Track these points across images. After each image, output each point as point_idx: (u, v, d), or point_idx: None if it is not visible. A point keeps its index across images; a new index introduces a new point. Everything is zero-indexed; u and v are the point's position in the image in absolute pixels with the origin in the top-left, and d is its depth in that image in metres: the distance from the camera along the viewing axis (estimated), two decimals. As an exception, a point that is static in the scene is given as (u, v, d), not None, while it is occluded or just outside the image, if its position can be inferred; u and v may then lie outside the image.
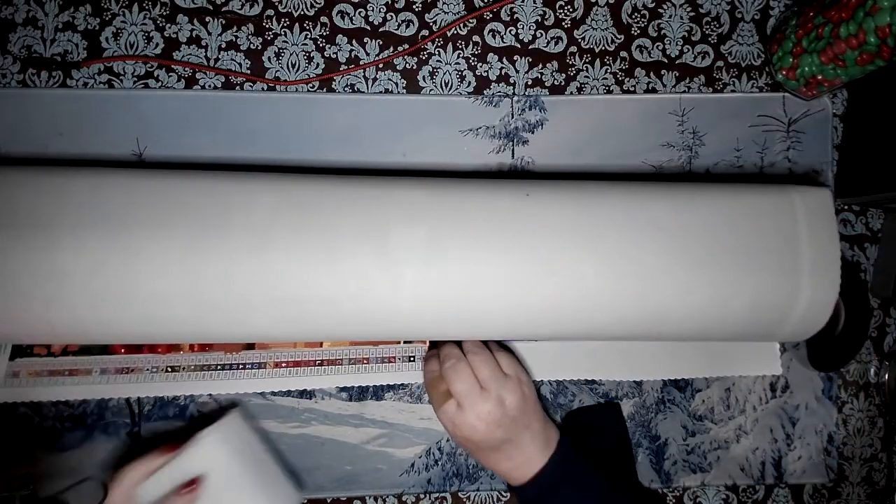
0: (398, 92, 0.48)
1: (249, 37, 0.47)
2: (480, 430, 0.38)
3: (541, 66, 0.49)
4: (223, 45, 0.47)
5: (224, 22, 0.47)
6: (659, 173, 0.49)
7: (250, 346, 0.45)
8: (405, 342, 0.46)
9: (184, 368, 0.44)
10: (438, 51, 0.49)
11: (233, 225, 0.35)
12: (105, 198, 0.35)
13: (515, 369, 0.41)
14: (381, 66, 0.48)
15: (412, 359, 0.46)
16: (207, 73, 0.47)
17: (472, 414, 0.38)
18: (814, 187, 0.39)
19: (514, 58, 0.49)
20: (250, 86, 0.47)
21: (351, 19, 0.48)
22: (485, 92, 0.49)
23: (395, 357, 0.46)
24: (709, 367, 0.48)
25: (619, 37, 0.50)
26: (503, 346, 0.43)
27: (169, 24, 0.47)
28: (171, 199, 0.35)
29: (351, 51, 0.48)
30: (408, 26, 0.48)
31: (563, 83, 0.49)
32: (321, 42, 0.48)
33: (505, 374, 0.40)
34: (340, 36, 0.48)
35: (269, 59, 0.47)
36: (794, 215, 0.38)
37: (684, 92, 0.50)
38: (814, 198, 0.39)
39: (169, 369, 0.44)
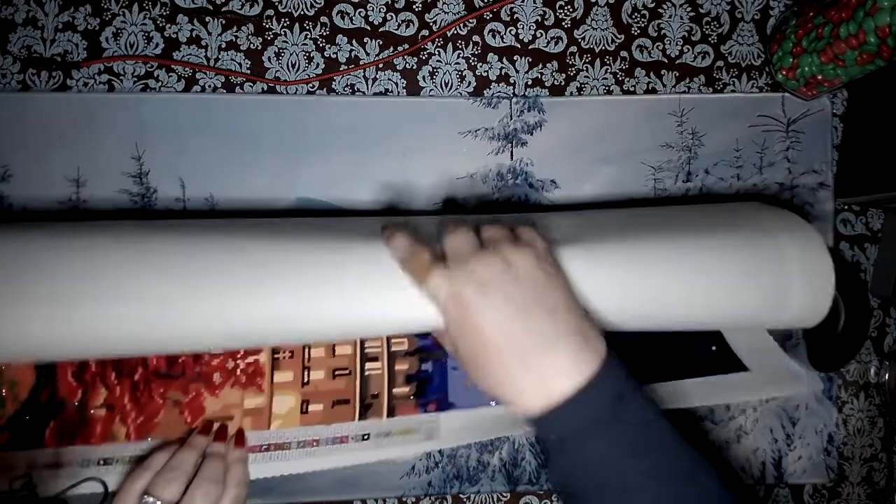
0: (398, 92, 0.48)
1: (249, 37, 0.47)
2: (481, 305, 0.27)
3: (541, 66, 0.49)
4: (223, 45, 0.47)
5: (224, 22, 0.47)
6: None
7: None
8: (359, 419, 0.44)
9: (117, 460, 0.42)
10: (438, 51, 0.49)
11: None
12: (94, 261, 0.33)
13: (536, 240, 0.31)
14: (381, 66, 0.48)
15: (366, 437, 0.44)
16: (207, 73, 0.47)
17: (471, 281, 0.28)
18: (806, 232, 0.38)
19: (514, 58, 0.49)
20: (250, 86, 0.47)
21: (351, 19, 0.48)
22: (484, 93, 0.49)
23: (347, 437, 0.44)
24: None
25: (619, 37, 0.50)
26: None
27: (169, 24, 0.47)
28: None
29: (351, 51, 0.48)
30: (408, 26, 0.48)
31: (563, 83, 0.49)
32: (321, 42, 0.48)
33: (519, 238, 0.30)
34: (340, 36, 0.48)
35: (269, 59, 0.47)
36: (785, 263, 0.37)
37: (684, 92, 0.50)
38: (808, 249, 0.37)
39: (102, 462, 0.42)
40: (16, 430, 0.42)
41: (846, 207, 0.51)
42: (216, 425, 0.43)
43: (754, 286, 0.37)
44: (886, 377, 0.50)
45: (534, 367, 0.27)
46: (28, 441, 0.42)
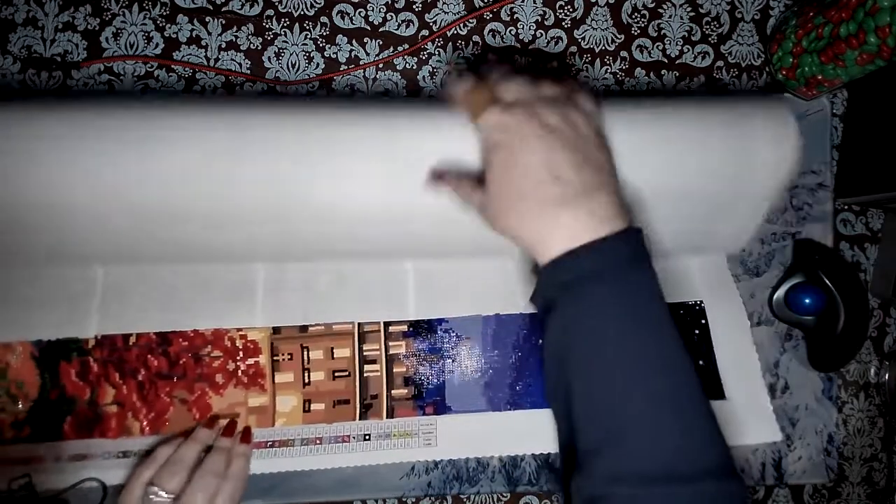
0: (398, 92, 0.48)
1: (249, 37, 0.47)
2: (540, 144, 0.28)
3: (541, 66, 0.49)
4: (223, 45, 0.47)
5: (224, 22, 0.47)
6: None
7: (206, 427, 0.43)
8: (360, 418, 0.45)
9: (135, 454, 0.43)
10: (438, 51, 0.49)
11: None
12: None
13: (594, 109, 0.32)
14: (381, 66, 0.48)
15: (367, 437, 0.45)
16: (207, 73, 0.47)
17: (533, 120, 0.28)
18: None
19: (515, 58, 0.49)
20: (250, 86, 0.47)
21: (351, 19, 0.48)
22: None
23: (349, 436, 0.45)
24: None
25: (619, 37, 0.50)
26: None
27: (169, 24, 0.47)
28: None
29: (351, 51, 0.48)
30: (408, 26, 0.48)
31: (563, 83, 0.49)
32: (321, 42, 0.48)
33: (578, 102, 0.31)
34: (340, 36, 0.48)
35: (269, 59, 0.47)
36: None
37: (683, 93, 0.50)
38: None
39: (121, 455, 0.43)
40: (36, 424, 0.43)
41: (846, 207, 0.51)
42: (223, 421, 0.43)
43: (723, 152, 0.37)
44: (886, 377, 0.50)
45: (570, 208, 0.28)
46: (48, 434, 0.43)
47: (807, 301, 0.47)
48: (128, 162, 0.34)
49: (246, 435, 0.43)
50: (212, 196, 0.35)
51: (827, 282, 0.46)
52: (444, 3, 0.49)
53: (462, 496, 0.48)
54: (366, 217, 0.37)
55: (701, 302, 0.47)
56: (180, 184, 0.35)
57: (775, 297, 0.48)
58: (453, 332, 0.46)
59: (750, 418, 0.46)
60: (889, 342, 0.50)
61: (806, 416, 0.49)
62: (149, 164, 0.34)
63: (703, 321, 0.47)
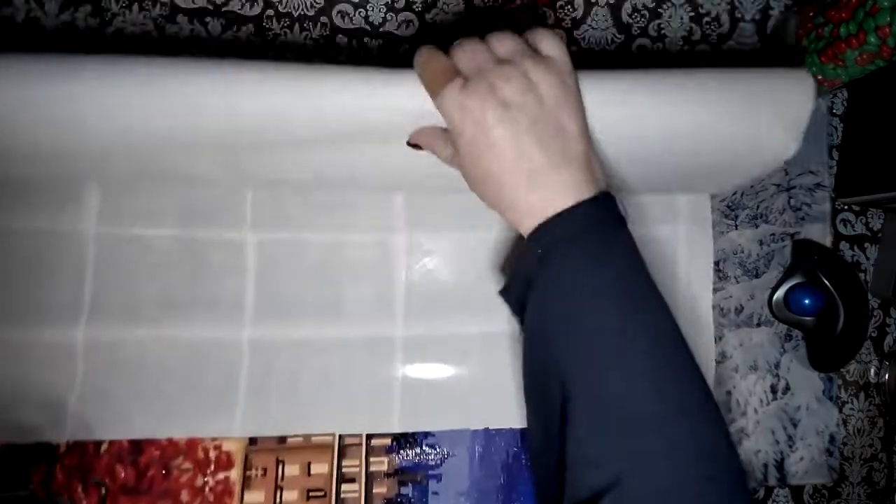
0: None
1: (249, 37, 0.47)
2: (502, 125, 0.26)
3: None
4: (223, 46, 0.47)
5: (224, 22, 0.47)
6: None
7: None
8: None
9: None
10: (438, 51, 0.48)
11: None
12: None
13: (558, 51, 0.28)
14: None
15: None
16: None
17: (492, 98, 0.26)
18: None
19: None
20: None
21: (351, 19, 0.48)
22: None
23: None
24: None
25: (619, 37, 0.50)
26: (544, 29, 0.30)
27: (169, 24, 0.47)
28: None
29: (351, 51, 0.48)
30: (408, 26, 0.48)
31: (563, 83, 0.49)
32: (321, 42, 0.48)
33: (541, 51, 0.28)
34: (340, 36, 0.48)
35: (269, 59, 0.47)
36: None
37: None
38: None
39: None
40: None
41: (846, 207, 0.51)
42: None
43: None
44: (886, 377, 0.50)
45: (540, 187, 0.27)
46: None
47: (806, 301, 0.47)
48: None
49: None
50: None
51: (826, 282, 0.46)
52: (444, 3, 0.49)
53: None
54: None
55: None
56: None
57: (775, 297, 0.48)
58: (439, 447, 0.44)
59: None
60: (889, 342, 0.50)
61: (807, 416, 0.49)
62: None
63: None
